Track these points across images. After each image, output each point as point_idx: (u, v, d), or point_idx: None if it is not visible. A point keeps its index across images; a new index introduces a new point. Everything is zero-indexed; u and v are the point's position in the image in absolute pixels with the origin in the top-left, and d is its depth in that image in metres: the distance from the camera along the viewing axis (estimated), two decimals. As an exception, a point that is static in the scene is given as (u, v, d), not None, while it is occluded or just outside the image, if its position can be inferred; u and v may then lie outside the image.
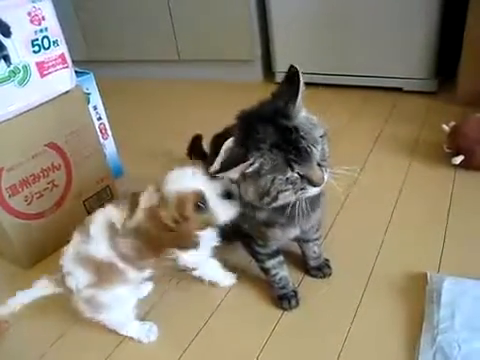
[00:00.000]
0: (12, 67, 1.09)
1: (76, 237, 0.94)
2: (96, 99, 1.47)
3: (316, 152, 0.73)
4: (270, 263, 0.99)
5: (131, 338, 1.00)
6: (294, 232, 0.91)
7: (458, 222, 1.18)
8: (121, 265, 0.90)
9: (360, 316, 0.97)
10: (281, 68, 2.13)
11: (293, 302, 1.00)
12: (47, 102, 1.19)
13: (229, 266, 1.14)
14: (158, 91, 2.32)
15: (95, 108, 1.48)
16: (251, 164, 0.73)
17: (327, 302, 1.02)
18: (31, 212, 1.22)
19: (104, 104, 1.52)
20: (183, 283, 1.12)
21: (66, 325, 1.06)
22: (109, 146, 1.55)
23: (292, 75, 0.76)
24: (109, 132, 1.55)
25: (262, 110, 0.77)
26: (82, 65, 2.53)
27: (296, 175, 0.74)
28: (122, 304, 0.95)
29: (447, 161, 1.38)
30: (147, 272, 0.97)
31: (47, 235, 1.26)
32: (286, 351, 0.92)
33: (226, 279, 1.09)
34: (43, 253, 1.27)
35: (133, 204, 0.89)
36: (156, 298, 1.09)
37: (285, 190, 0.74)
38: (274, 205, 0.78)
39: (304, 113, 0.77)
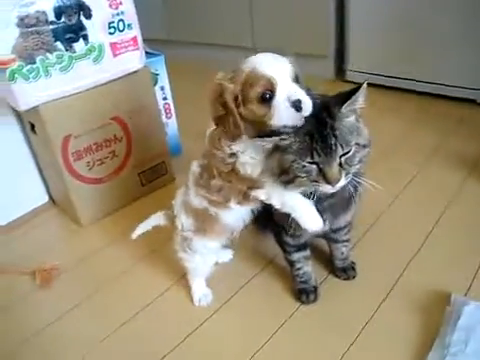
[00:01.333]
0: (89, 45, 1.21)
1: (181, 188, 1.03)
2: (164, 80, 1.57)
3: (340, 152, 0.76)
4: (296, 256, 1.03)
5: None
6: (324, 228, 0.91)
7: (501, 247, 1.14)
8: (212, 210, 0.95)
9: (373, 324, 0.98)
10: (353, 67, 2.10)
11: (311, 297, 1.04)
12: (117, 79, 1.31)
13: (258, 254, 1.21)
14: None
15: (162, 88, 1.58)
16: (283, 139, 0.77)
17: (344, 304, 1.04)
18: (91, 177, 1.35)
19: (171, 84, 1.62)
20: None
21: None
22: (171, 125, 1.65)
23: (359, 86, 0.77)
24: (173, 112, 1.64)
25: (321, 101, 0.80)
26: (161, 44, 2.67)
27: (314, 166, 0.77)
28: (206, 256, 1.04)
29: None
30: (236, 209, 0.94)
31: (103, 199, 1.40)
32: (292, 343, 0.97)
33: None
34: (99, 215, 1.41)
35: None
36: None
37: (300, 176, 0.78)
38: (290, 187, 0.81)
39: (353, 120, 0.79)
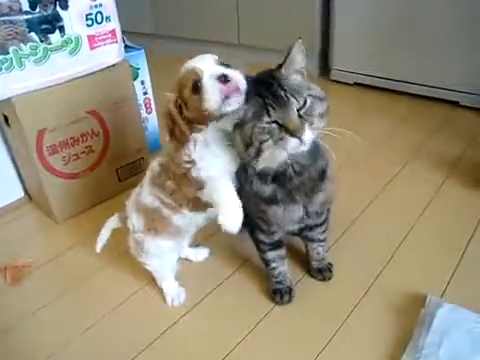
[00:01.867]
0: (65, 37, 1.18)
1: (137, 188, 1.02)
2: (145, 74, 1.55)
3: (294, 101, 0.76)
4: (271, 255, 1.01)
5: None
6: (298, 213, 0.90)
7: (477, 251, 1.13)
8: (164, 211, 0.95)
9: (347, 325, 0.97)
10: (337, 65, 2.10)
11: (286, 298, 1.03)
12: (94, 72, 1.28)
13: (235, 253, 1.19)
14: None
15: (142, 83, 1.55)
16: (236, 112, 0.78)
17: (319, 305, 1.03)
18: (67, 171, 1.32)
19: (154, 79, 1.59)
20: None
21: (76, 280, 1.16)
22: (152, 120, 1.63)
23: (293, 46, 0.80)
24: (153, 107, 1.62)
25: (259, 74, 0.84)
26: (148, 38, 2.65)
27: (274, 125, 0.77)
28: (163, 257, 1.03)
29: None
30: (188, 215, 0.96)
31: (79, 195, 1.37)
32: (265, 344, 0.95)
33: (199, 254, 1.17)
34: (74, 211, 1.38)
35: None
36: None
37: (265, 140, 0.77)
38: (261, 161, 0.79)
39: (299, 77, 0.81)
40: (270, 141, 0.77)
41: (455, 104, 1.84)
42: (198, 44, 2.53)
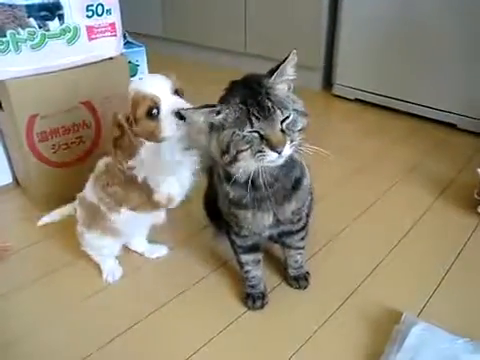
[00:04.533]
0: (64, 26, 1.19)
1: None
2: (143, 71, 1.55)
3: (280, 115, 0.74)
4: (245, 258, 0.99)
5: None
6: (267, 219, 0.88)
7: (460, 273, 1.11)
8: (103, 208, 1.00)
9: (318, 337, 0.95)
10: (340, 81, 2.10)
11: (258, 303, 1.01)
12: (91, 64, 1.28)
13: (213, 255, 1.18)
14: (216, 79, 2.37)
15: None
16: (217, 112, 0.76)
17: (291, 314, 1.01)
18: (55, 160, 1.32)
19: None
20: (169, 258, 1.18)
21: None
22: (147, 118, 1.63)
23: (286, 57, 0.78)
24: (150, 105, 1.62)
25: (246, 78, 0.81)
26: (157, 41, 2.68)
27: (256, 134, 0.74)
28: (101, 251, 1.09)
29: (475, 208, 1.31)
30: (126, 214, 1.00)
31: (65, 185, 1.35)
32: (233, 347, 0.93)
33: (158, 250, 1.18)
34: (60, 200, 1.36)
35: None
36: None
37: (243, 150, 0.75)
38: (235, 168, 0.78)
39: (285, 88, 0.79)
40: (248, 151, 0.75)
41: (453, 127, 1.83)
42: (204, 50, 2.56)
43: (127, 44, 1.46)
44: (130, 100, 0.86)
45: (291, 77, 0.80)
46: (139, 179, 0.93)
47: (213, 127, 0.78)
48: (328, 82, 2.19)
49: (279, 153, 0.74)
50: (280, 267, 1.12)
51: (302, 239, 1.02)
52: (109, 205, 0.99)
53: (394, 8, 1.82)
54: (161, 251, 1.18)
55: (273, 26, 2.23)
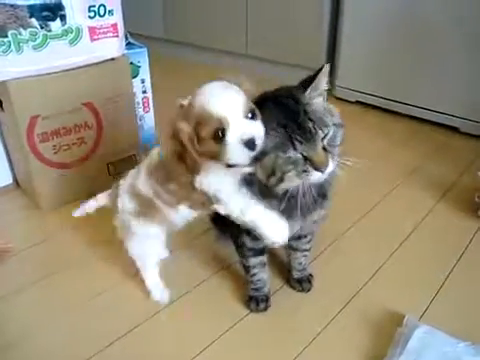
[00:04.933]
0: (66, 27, 1.19)
1: (134, 169, 1.00)
2: (145, 73, 1.54)
3: (322, 134, 0.73)
4: (253, 261, 0.98)
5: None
6: (295, 227, 0.88)
7: (462, 276, 1.11)
8: (158, 202, 0.92)
9: (320, 340, 0.94)
10: (341, 83, 2.10)
11: (261, 306, 1.00)
12: (93, 65, 1.28)
13: (216, 259, 1.17)
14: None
15: (143, 81, 1.55)
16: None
17: (294, 317, 1.01)
18: (56, 161, 1.31)
19: (154, 79, 1.59)
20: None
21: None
22: (149, 119, 1.62)
23: (319, 69, 0.76)
24: (151, 106, 1.62)
25: (278, 92, 0.79)
26: (159, 42, 2.68)
27: (299, 156, 0.73)
28: (146, 242, 1.01)
29: (476, 212, 1.30)
30: (184, 211, 0.93)
31: (67, 185, 1.36)
32: (235, 350, 0.93)
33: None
34: (61, 201, 1.36)
35: None
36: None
37: (288, 171, 0.74)
38: (281, 187, 0.78)
39: (321, 101, 0.78)
40: (293, 171, 0.75)
41: (455, 130, 1.83)
42: (206, 51, 2.56)
43: (129, 45, 1.45)
44: (194, 118, 0.75)
45: (325, 88, 0.79)
46: (197, 186, 0.84)
47: (255, 159, 0.76)
48: (330, 84, 2.18)
49: (323, 171, 0.74)
50: (283, 269, 1.11)
51: (309, 242, 1.01)
52: (167, 201, 0.92)
53: (396, 11, 1.82)
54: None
55: (274, 28, 2.23)
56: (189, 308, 1.03)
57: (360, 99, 2.06)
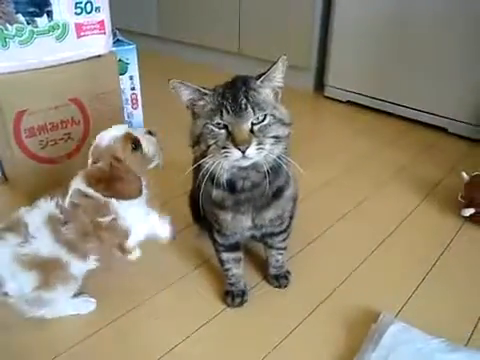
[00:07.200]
0: (52, 23, 1.20)
1: (6, 241, 0.87)
2: (134, 70, 1.56)
3: (251, 114, 0.75)
4: (225, 256, 1.00)
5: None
6: (246, 222, 0.89)
7: (441, 274, 1.12)
8: (65, 258, 0.90)
9: (295, 335, 0.96)
10: (332, 83, 2.11)
11: (237, 300, 1.01)
12: (79, 61, 1.29)
13: (196, 252, 1.18)
14: (208, 79, 2.38)
15: (131, 78, 1.57)
16: (203, 94, 0.78)
17: (270, 312, 1.02)
18: (43, 156, 1.33)
19: (143, 76, 1.61)
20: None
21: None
22: (137, 116, 1.64)
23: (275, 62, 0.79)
24: (140, 103, 1.63)
25: (237, 77, 0.81)
26: (152, 40, 2.68)
27: (222, 131, 0.75)
28: (66, 296, 0.96)
29: (459, 211, 1.31)
30: (91, 261, 0.96)
31: (54, 180, 1.36)
32: (210, 344, 0.94)
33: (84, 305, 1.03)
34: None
35: (65, 190, 0.94)
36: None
37: (211, 143, 0.76)
38: (209, 164, 0.79)
39: (268, 92, 0.79)
40: (215, 146, 0.76)
41: (443, 131, 1.84)
42: (199, 49, 2.57)
43: (117, 42, 1.47)
44: (107, 151, 0.94)
45: (278, 84, 0.80)
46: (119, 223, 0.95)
47: (194, 115, 0.81)
48: (320, 84, 2.20)
49: (243, 152, 0.74)
50: (262, 265, 1.12)
51: (284, 240, 1.02)
52: (79, 252, 0.93)
53: (387, 12, 1.83)
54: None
55: (266, 27, 2.25)
56: (168, 302, 1.04)
57: (351, 99, 2.07)
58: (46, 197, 0.94)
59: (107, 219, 0.92)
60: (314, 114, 2.08)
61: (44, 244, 0.88)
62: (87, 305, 1.01)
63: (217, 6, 2.39)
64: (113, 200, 0.92)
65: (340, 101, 2.11)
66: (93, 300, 1.02)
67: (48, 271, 0.88)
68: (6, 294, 0.86)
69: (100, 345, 0.93)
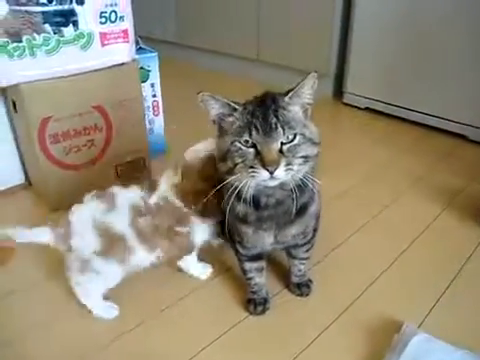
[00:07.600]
0: (78, 32, 1.22)
1: (94, 202, 0.98)
2: (155, 77, 1.58)
3: (281, 134, 0.73)
4: (248, 266, 1.01)
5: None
6: (268, 239, 0.89)
7: (463, 285, 1.11)
8: (132, 242, 0.96)
9: (317, 344, 0.96)
10: (350, 89, 2.11)
11: (259, 308, 1.02)
12: (103, 69, 1.31)
13: (219, 260, 1.19)
14: (227, 85, 2.39)
15: (152, 85, 1.58)
16: (233, 109, 0.77)
17: (292, 320, 1.02)
18: (67, 162, 1.35)
19: (163, 83, 1.62)
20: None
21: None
22: (158, 123, 1.66)
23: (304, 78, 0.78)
24: (161, 110, 1.65)
25: (266, 93, 0.80)
26: (172, 47, 2.71)
27: (251, 150, 0.74)
28: (107, 278, 1.00)
29: (480, 221, 1.31)
30: (155, 255, 1.01)
31: (77, 186, 1.38)
32: (232, 352, 0.94)
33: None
34: (70, 201, 1.39)
35: (152, 186, 1.00)
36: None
37: (238, 162, 0.75)
38: (234, 181, 0.78)
39: (297, 109, 0.78)
40: (242, 165, 0.75)
41: (463, 138, 1.83)
42: (217, 56, 2.59)
43: (140, 50, 1.49)
44: (198, 167, 0.97)
45: (308, 100, 0.79)
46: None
47: (221, 130, 0.80)
48: (339, 90, 2.20)
49: (271, 173, 0.73)
50: (284, 273, 1.13)
51: (307, 251, 1.02)
52: (147, 242, 0.99)
53: (406, 18, 1.83)
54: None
55: (285, 34, 2.25)
56: (190, 310, 1.05)
57: (369, 106, 2.07)
58: (139, 186, 1.00)
59: (184, 229, 1.00)
60: (333, 122, 2.07)
61: (120, 220, 0.95)
62: (111, 311, 1.03)
63: (235, 12, 2.41)
64: (194, 214, 0.98)
65: (359, 108, 2.11)
66: (116, 307, 1.04)
67: (111, 244, 0.95)
68: (70, 247, 0.95)
69: (121, 352, 0.94)
